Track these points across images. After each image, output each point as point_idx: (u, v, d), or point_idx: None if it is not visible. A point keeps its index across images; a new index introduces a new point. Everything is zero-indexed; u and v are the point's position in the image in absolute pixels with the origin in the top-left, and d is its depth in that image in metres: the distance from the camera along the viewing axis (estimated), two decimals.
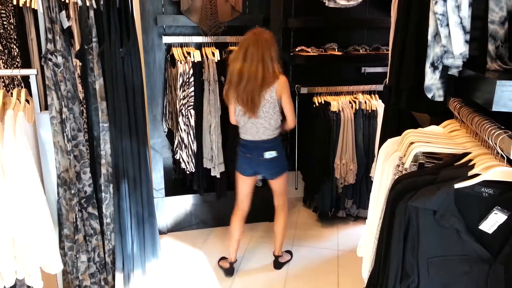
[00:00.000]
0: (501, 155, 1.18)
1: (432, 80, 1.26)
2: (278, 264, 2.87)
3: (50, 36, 1.66)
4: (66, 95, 1.72)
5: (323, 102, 3.36)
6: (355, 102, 3.31)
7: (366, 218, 1.79)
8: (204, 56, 3.03)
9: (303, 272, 2.80)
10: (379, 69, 3.67)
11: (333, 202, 3.35)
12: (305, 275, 2.77)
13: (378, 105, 3.30)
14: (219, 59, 3.04)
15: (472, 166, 1.19)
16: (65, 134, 1.74)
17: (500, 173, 1.12)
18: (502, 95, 1.00)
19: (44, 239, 1.70)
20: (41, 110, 1.83)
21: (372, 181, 1.82)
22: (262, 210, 3.44)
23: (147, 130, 3.03)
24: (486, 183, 1.14)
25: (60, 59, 1.69)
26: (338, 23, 3.58)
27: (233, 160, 3.16)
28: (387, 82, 2.00)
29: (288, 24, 3.49)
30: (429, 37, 1.23)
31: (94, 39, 1.72)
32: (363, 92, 3.41)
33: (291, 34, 3.57)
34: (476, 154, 1.24)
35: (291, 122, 2.55)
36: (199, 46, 3.13)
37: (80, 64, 1.88)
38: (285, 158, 2.69)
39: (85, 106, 1.87)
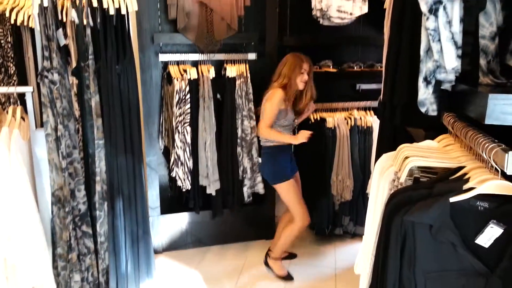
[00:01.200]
0: (495, 168, 1.18)
1: (425, 94, 1.28)
2: (265, 261, 2.95)
3: (46, 53, 1.67)
4: (61, 112, 1.72)
5: (318, 119, 3.37)
6: (350, 118, 3.33)
7: (363, 235, 1.78)
8: (200, 73, 3.05)
9: None
10: (373, 86, 3.69)
11: (330, 219, 3.33)
12: None
13: (373, 121, 3.32)
14: (214, 76, 3.07)
15: (467, 180, 1.19)
16: (60, 151, 1.73)
17: (495, 186, 1.12)
18: (495, 108, 1.01)
19: (37, 258, 1.68)
20: (36, 128, 1.83)
21: (368, 198, 1.81)
22: (255, 228, 3.42)
23: (143, 147, 3.03)
24: (482, 197, 1.14)
25: (56, 76, 1.70)
26: (332, 40, 3.63)
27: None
28: (381, 98, 2.01)
29: (283, 42, 3.53)
30: (422, 53, 1.25)
31: (90, 56, 1.73)
32: (358, 109, 3.43)
33: (286, 52, 3.60)
34: (471, 168, 1.24)
35: (259, 127, 2.69)
36: (195, 64, 3.15)
37: (77, 81, 1.89)
38: (272, 171, 2.74)
39: (80, 123, 1.87)
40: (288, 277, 2.88)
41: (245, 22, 3.28)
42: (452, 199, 1.14)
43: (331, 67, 3.51)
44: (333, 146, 3.26)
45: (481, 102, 1.05)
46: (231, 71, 3.09)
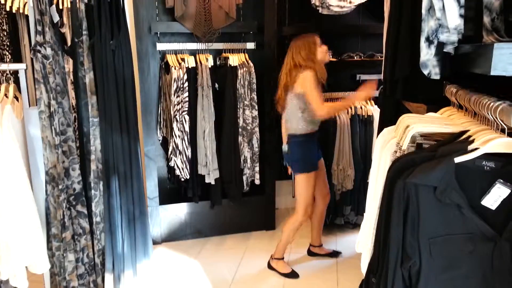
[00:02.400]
0: (501, 129, 1.14)
1: (427, 55, 1.24)
2: (268, 264, 2.87)
3: (39, 28, 1.63)
4: (55, 88, 1.68)
5: None
6: (351, 107, 3.29)
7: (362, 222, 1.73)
8: (198, 62, 3.02)
9: (301, 279, 2.72)
10: (374, 77, 3.66)
11: (331, 209, 3.28)
12: (303, 282, 2.68)
13: (374, 111, 3.28)
14: (212, 64, 3.04)
15: (472, 141, 1.15)
16: (53, 127, 1.69)
17: (501, 144, 1.08)
18: (501, 58, 0.97)
19: (31, 237, 1.63)
20: (30, 106, 1.79)
21: None
22: (255, 219, 3.38)
23: (141, 137, 2.99)
24: (487, 157, 1.10)
25: (49, 51, 1.66)
26: (332, 29, 3.60)
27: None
28: (382, 74, 1.98)
29: (282, 32, 3.50)
30: (423, 11, 1.21)
31: (84, 32, 1.70)
32: None
33: (286, 41, 3.57)
34: (476, 131, 1.20)
35: (315, 111, 2.52)
36: (193, 53, 3.12)
37: (72, 61, 1.85)
38: (302, 159, 2.65)
39: (75, 102, 1.83)
40: (293, 275, 2.76)
41: (244, 11, 3.26)
42: (457, 159, 1.10)
43: (331, 56, 3.47)
44: (334, 135, 3.22)
45: (487, 54, 1.01)
46: (233, 60, 3.06)
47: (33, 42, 1.70)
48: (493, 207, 1.10)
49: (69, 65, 1.98)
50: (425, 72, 1.27)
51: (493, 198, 1.10)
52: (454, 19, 1.16)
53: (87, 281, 1.86)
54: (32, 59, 1.73)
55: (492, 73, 0.98)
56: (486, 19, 1.15)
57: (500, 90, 1.22)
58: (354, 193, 3.28)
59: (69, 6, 1.82)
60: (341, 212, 3.30)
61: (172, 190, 3.41)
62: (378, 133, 2.39)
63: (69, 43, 1.89)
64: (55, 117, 1.69)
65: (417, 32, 1.40)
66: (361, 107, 3.28)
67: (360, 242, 1.73)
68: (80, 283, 1.84)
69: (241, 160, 3.15)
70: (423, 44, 1.23)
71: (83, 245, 1.83)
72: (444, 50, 1.25)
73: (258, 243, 3.20)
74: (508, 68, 0.98)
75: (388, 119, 2.18)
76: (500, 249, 1.11)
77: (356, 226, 3.37)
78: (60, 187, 1.73)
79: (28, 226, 1.61)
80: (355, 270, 2.79)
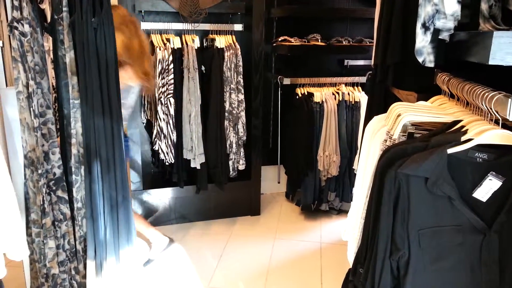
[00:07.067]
0: (495, 120, 1.12)
1: (423, 42, 1.20)
2: None
3: (16, 3, 1.54)
4: (33, 68, 1.60)
5: (306, 93, 3.30)
6: (338, 93, 3.26)
7: (349, 211, 1.72)
8: (184, 43, 2.94)
9: (285, 264, 2.72)
10: (361, 62, 3.65)
11: (316, 195, 3.28)
12: (287, 267, 2.68)
13: (361, 97, 3.27)
14: (198, 46, 2.96)
15: (465, 132, 1.13)
16: (31, 109, 1.61)
17: (495, 136, 1.06)
18: (500, 47, 0.94)
19: (9, 222, 1.57)
20: (7, 86, 1.70)
21: (355, 174, 1.75)
22: (240, 205, 3.35)
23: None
24: (480, 148, 1.08)
25: (27, 28, 1.57)
26: (321, 12, 3.55)
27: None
28: (372, 61, 1.95)
29: (270, 14, 3.44)
30: None
31: (64, 9, 1.61)
32: (346, 84, 3.37)
33: (274, 24, 3.51)
34: (469, 121, 1.18)
35: None
36: (178, 34, 3.04)
37: (52, 39, 1.76)
38: None
39: (55, 82, 1.75)
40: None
41: None
42: (450, 151, 1.08)
43: (319, 40, 3.42)
44: (320, 121, 3.20)
45: (485, 42, 0.97)
46: (220, 42, 2.98)
47: (9, 18, 1.61)
48: (484, 199, 1.09)
49: (49, 44, 1.88)
50: (420, 59, 1.24)
51: (485, 190, 1.09)
52: (452, 4, 1.12)
53: (68, 268, 1.81)
54: (9, 36, 1.63)
55: (491, 62, 0.95)
56: (484, 6, 1.12)
57: (488, 80, 1.21)
58: (340, 179, 3.28)
59: None
60: (326, 198, 3.30)
61: (156, 175, 3.35)
62: (365, 120, 2.37)
63: (49, 20, 1.80)
64: (33, 98, 1.61)
65: (410, 18, 1.37)
66: (348, 93, 3.25)
67: (347, 231, 1.72)
68: (61, 270, 1.79)
69: (227, 145, 3.10)
70: (419, 30, 1.19)
71: (64, 231, 1.77)
72: (440, 37, 1.22)
73: (243, 229, 3.18)
74: (506, 58, 0.95)
75: (376, 106, 2.16)
76: (489, 241, 1.10)
77: (340, 212, 3.38)
78: (39, 171, 1.66)
79: (6, 211, 1.55)
80: (338, 255, 2.80)
